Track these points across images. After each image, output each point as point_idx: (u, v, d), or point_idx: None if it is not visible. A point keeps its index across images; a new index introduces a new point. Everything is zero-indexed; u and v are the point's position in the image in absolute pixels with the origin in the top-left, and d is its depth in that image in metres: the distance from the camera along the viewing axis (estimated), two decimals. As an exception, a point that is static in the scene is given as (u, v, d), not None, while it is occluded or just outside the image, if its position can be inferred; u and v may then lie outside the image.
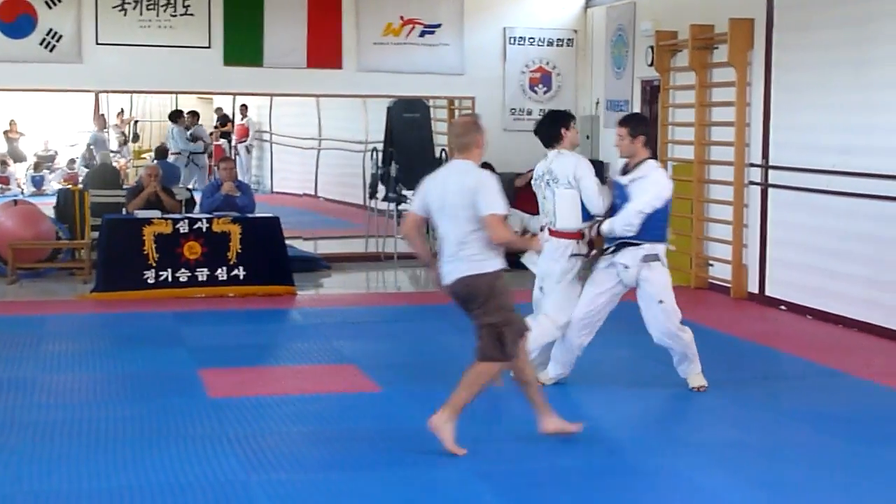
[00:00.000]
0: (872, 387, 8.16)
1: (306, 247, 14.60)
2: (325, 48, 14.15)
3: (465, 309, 6.50)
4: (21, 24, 13.37)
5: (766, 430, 7.20)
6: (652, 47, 13.22)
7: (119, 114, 21.23)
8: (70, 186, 15.04)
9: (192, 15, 13.79)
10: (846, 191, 10.24)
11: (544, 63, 15.09)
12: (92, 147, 18.64)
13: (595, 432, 6.94)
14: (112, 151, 18.57)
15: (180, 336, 9.83)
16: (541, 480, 6.06)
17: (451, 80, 14.67)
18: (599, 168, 11.96)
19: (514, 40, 14.98)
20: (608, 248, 7.79)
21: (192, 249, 11.67)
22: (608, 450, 6.55)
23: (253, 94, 18.14)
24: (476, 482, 5.97)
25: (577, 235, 7.77)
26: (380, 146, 14.95)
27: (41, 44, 13.43)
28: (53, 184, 20.59)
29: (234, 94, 19.39)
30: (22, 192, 20.41)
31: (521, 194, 14.22)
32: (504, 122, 14.94)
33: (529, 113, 14.94)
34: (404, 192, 14.73)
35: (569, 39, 15.15)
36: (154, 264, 11.54)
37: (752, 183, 11.66)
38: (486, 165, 14.88)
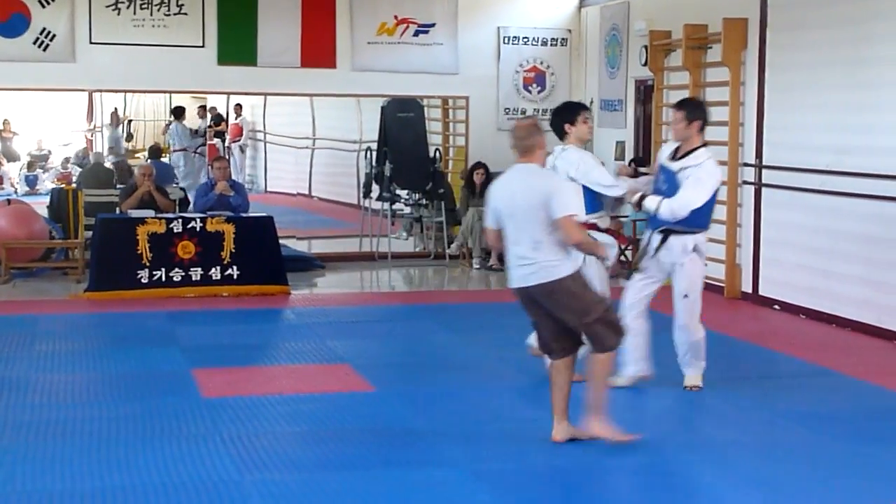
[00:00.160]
0: (866, 386, 8.17)
1: (300, 246, 14.61)
2: (318, 47, 14.14)
3: (538, 309, 6.50)
4: (14, 24, 13.34)
5: (761, 429, 7.21)
6: (646, 47, 13.23)
7: (112, 113, 21.21)
8: (64, 186, 15.02)
9: (185, 14, 13.77)
10: (840, 190, 10.25)
11: (538, 62, 15.09)
12: (112, 146, 18.88)
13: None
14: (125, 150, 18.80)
15: (174, 336, 9.82)
16: (537, 480, 6.07)
17: (445, 79, 14.67)
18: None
19: (508, 40, 14.98)
20: (650, 235, 7.69)
21: (186, 249, 11.66)
22: (604, 449, 6.55)
23: (247, 94, 18.12)
24: (472, 481, 5.97)
25: (589, 226, 7.53)
26: (374, 146, 14.95)
27: (35, 43, 13.41)
28: (47, 183, 20.56)
29: (228, 94, 19.43)
30: (15, 192, 20.38)
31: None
32: (498, 121, 14.94)
33: (524, 112, 14.94)
34: (398, 191, 14.75)
35: (563, 39, 15.15)
36: (148, 264, 11.53)
37: (745, 182, 11.67)
38: (479, 165, 14.98)
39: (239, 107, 22.13)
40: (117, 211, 12.53)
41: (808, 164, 10.67)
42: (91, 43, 13.57)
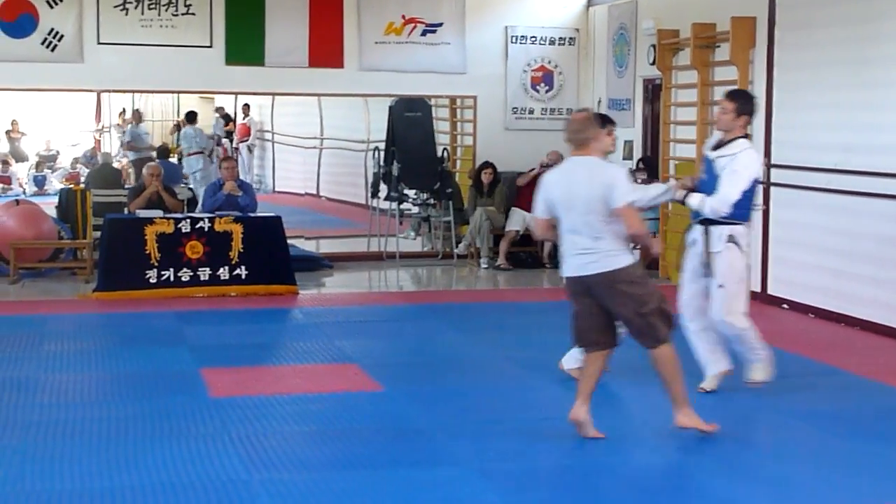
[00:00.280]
0: (875, 385, 8.15)
1: (308, 246, 14.61)
2: (326, 47, 14.15)
3: (590, 300, 6.57)
4: (22, 24, 13.37)
5: (770, 428, 7.21)
6: (654, 46, 13.21)
7: (121, 113, 21.26)
8: (72, 186, 15.04)
9: (193, 14, 13.78)
10: (848, 189, 10.23)
11: (546, 62, 15.09)
12: (131, 142, 18.95)
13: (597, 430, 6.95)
14: (152, 147, 18.87)
15: (182, 335, 9.83)
16: (543, 479, 6.06)
17: (452, 79, 14.67)
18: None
19: (516, 39, 14.98)
20: (692, 228, 7.68)
21: (194, 249, 11.67)
22: (611, 448, 6.55)
23: (255, 94, 18.16)
24: (478, 481, 5.96)
25: None
26: (381, 145, 14.96)
27: (43, 43, 13.43)
28: (55, 183, 20.61)
29: (236, 94, 19.43)
30: (24, 192, 20.44)
31: (523, 193, 14.26)
32: (506, 121, 14.95)
33: (531, 112, 14.96)
34: (406, 191, 14.76)
35: (570, 38, 15.15)
36: (156, 264, 11.54)
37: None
38: (487, 164, 14.96)
39: (247, 107, 22.15)
40: (125, 211, 12.55)
41: (816, 163, 10.65)
42: (99, 43, 13.59)
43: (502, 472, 6.09)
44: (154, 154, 17.79)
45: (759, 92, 11.47)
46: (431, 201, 14.72)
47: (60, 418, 7.10)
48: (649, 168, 13.17)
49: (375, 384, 8.07)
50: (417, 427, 7.00)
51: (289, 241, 12.33)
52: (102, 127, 19.29)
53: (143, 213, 11.91)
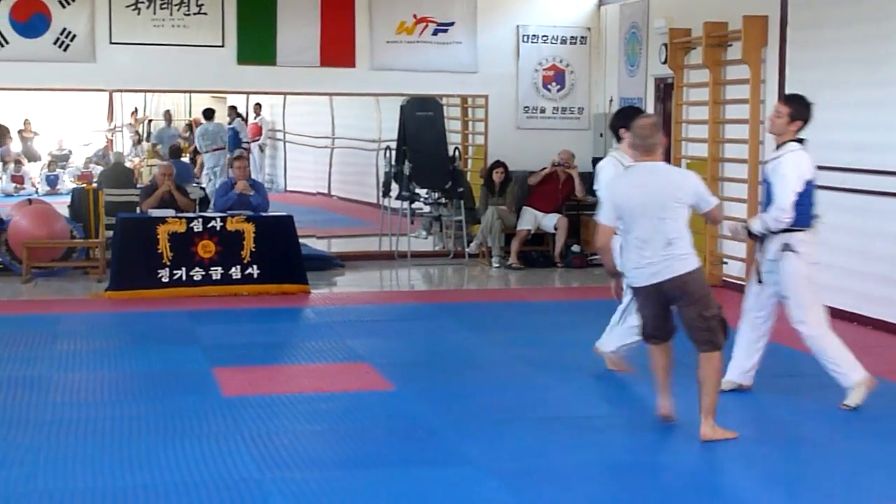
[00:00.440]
0: (887, 384, 8.12)
1: (320, 245, 14.62)
2: (338, 47, 14.16)
3: (663, 303, 6.66)
4: (35, 24, 13.41)
5: (783, 427, 7.19)
6: (665, 45, 13.19)
7: (133, 113, 21.29)
8: (84, 185, 15.07)
9: (205, 14, 13.81)
10: (860, 188, 10.21)
11: (557, 61, 15.08)
12: (157, 144, 19.11)
13: (609, 428, 6.94)
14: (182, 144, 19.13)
15: (194, 335, 9.84)
16: (554, 477, 6.05)
17: (464, 78, 14.68)
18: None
19: (528, 38, 14.97)
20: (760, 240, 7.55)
21: (206, 248, 11.68)
22: (623, 446, 6.54)
23: (266, 93, 18.16)
24: (489, 479, 5.97)
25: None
26: (393, 145, 14.95)
27: (55, 43, 13.46)
28: (68, 183, 20.65)
29: (248, 93, 19.43)
30: (36, 191, 20.46)
31: (534, 192, 14.26)
32: (517, 120, 14.95)
33: (542, 111, 14.95)
34: (417, 190, 14.76)
35: (582, 37, 15.14)
36: (168, 263, 11.56)
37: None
38: (499, 164, 14.95)
39: (258, 106, 22.16)
40: (137, 210, 12.57)
41: (828, 162, 10.57)
42: (111, 43, 13.63)
43: (514, 472, 6.09)
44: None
45: (771, 91, 11.47)
46: (443, 200, 14.72)
47: (73, 417, 7.12)
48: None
49: (387, 383, 8.08)
50: (429, 426, 7.00)
51: (300, 241, 12.35)
52: (115, 126, 19.30)
53: (155, 213, 11.94)
